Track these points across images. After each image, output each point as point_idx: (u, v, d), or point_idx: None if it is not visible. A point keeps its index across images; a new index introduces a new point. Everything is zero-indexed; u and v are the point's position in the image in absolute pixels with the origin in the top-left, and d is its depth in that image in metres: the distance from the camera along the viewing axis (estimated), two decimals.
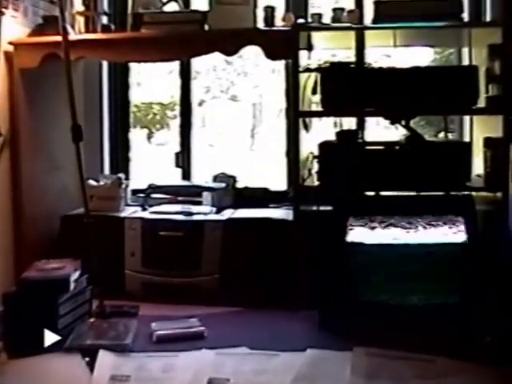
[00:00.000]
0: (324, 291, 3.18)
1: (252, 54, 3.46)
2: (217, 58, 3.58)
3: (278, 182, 4.22)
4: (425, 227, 3.11)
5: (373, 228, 3.14)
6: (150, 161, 5.38)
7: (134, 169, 4.51)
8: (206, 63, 5.16)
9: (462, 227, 3.07)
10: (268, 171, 4.83)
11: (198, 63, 4.66)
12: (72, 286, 2.97)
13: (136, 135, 5.05)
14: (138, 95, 4.97)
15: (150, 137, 5.79)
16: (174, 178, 4.32)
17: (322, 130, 3.87)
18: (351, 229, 3.14)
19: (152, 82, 5.22)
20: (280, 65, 4.28)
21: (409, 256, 3.09)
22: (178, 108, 4.49)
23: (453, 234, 3.09)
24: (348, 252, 3.15)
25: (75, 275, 3.03)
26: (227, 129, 5.88)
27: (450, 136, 3.98)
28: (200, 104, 5.54)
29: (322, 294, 3.20)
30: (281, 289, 3.43)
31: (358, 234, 3.14)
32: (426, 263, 3.06)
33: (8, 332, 2.85)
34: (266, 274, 3.50)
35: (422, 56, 4.52)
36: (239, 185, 4.13)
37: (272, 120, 5.41)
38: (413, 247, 3.10)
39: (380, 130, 3.96)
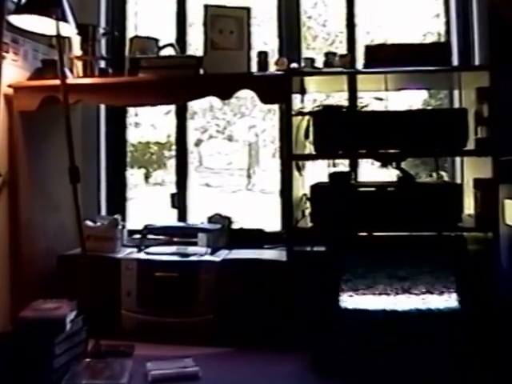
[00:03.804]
0: (316, 333, 3.21)
1: (249, 94, 3.51)
2: (214, 98, 3.63)
3: (273, 222, 4.25)
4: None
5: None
6: (148, 200, 5.42)
7: (132, 209, 4.54)
8: (203, 103, 5.23)
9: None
10: (264, 211, 4.87)
11: (194, 103, 4.73)
12: (68, 326, 2.98)
13: (133, 175, 5.09)
14: (135, 135, 5.02)
15: (147, 177, 5.83)
16: (170, 218, 4.34)
17: (316, 171, 3.92)
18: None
19: (149, 122, 5.29)
20: (276, 105, 4.34)
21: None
22: (174, 148, 4.52)
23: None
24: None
25: (71, 315, 3.04)
26: (224, 168, 5.93)
27: (443, 174, 4.03)
28: (197, 144, 5.60)
29: (314, 336, 3.23)
30: (275, 329, 3.45)
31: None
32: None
33: (3, 371, 2.85)
34: (261, 315, 3.51)
35: (415, 98, 4.59)
36: (234, 226, 4.15)
37: (268, 159, 5.46)
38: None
39: (375, 169, 4.01)
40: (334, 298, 3.17)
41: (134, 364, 3.09)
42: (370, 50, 3.47)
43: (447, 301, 3.11)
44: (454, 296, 3.11)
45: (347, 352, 3.07)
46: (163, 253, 3.80)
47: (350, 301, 3.17)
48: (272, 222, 4.25)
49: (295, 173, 3.52)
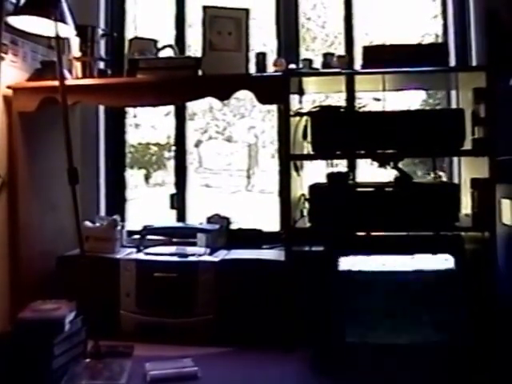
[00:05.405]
0: (315, 333, 3.22)
1: (248, 95, 3.52)
2: (213, 99, 3.64)
3: (272, 222, 4.26)
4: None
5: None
6: (148, 201, 5.43)
7: (132, 209, 4.55)
8: (203, 104, 5.24)
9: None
10: (263, 212, 4.88)
11: (194, 104, 4.75)
12: (67, 326, 2.99)
13: (133, 176, 5.10)
14: (135, 136, 5.03)
15: (147, 177, 5.84)
16: (170, 219, 4.36)
17: (315, 171, 3.93)
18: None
19: (149, 123, 5.29)
20: (275, 106, 4.36)
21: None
22: (174, 149, 4.53)
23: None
24: (337, 289, 3.20)
25: (70, 316, 3.05)
26: (223, 169, 5.94)
27: (441, 174, 4.04)
28: (196, 145, 5.60)
29: (312, 335, 3.24)
30: (274, 329, 3.45)
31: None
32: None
33: (3, 372, 2.86)
34: (260, 315, 3.52)
35: (413, 98, 4.60)
36: (233, 226, 4.17)
37: (268, 160, 5.47)
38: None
39: (374, 169, 4.03)
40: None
41: (132, 364, 3.11)
42: (367, 50, 3.48)
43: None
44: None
45: (347, 351, 3.09)
46: (162, 253, 3.81)
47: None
48: (271, 223, 4.25)
49: (293, 173, 3.53)
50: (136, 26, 4.55)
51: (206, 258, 3.71)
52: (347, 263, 3.17)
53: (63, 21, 3.19)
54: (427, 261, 3.15)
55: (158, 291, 3.65)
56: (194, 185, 4.69)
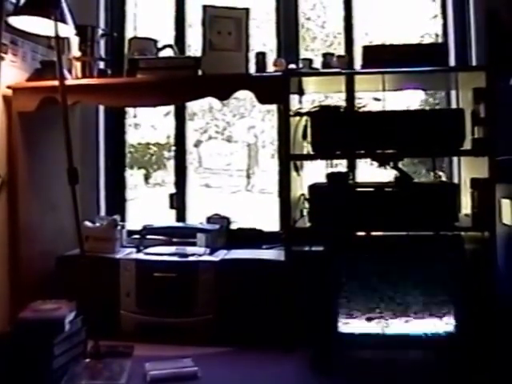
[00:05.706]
0: (315, 332, 3.22)
1: (248, 95, 3.52)
2: (213, 99, 3.65)
3: (272, 222, 4.26)
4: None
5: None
6: (148, 201, 5.43)
7: (132, 209, 4.55)
8: (203, 104, 5.25)
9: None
10: (263, 211, 4.88)
11: (194, 104, 4.75)
12: (67, 326, 2.99)
13: (133, 176, 5.11)
14: (135, 136, 5.03)
15: (147, 177, 5.85)
16: (169, 219, 4.35)
17: (315, 171, 3.93)
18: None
19: (149, 123, 5.30)
20: (275, 106, 4.36)
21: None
22: (173, 149, 4.53)
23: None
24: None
25: (70, 316, 3.05)
26: (223, 169, 5.94)
27: (441, 174, 4.04)
28: (196, 145, 5.61)
29: (314, 336, 3.24)
30: (274, 329, 3.45)
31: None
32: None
33: (3, 372, 2.85)
34: (260, 315, 3.52)
35: (413, 98, 4.60)
36: (233, 226, 4.17)
37: (267, 160, 5.47)
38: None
39: (374, 169, 4.03)
40: (333, 299, 3.20)
41: (132, 364, 3.11)
42: (367, 50, 3.48)
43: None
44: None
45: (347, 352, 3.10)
46: (162, 253, 3.81)
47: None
48: (271, 223, 4.25)
49: (293, 173, 3.53)
50: (136, 26, 4.55)
51: (206, 257, 3.71)
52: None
53: (63, 21, 3.19)
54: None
55: (158, 291, 3.65)
56: (194, 185, 4.69)
